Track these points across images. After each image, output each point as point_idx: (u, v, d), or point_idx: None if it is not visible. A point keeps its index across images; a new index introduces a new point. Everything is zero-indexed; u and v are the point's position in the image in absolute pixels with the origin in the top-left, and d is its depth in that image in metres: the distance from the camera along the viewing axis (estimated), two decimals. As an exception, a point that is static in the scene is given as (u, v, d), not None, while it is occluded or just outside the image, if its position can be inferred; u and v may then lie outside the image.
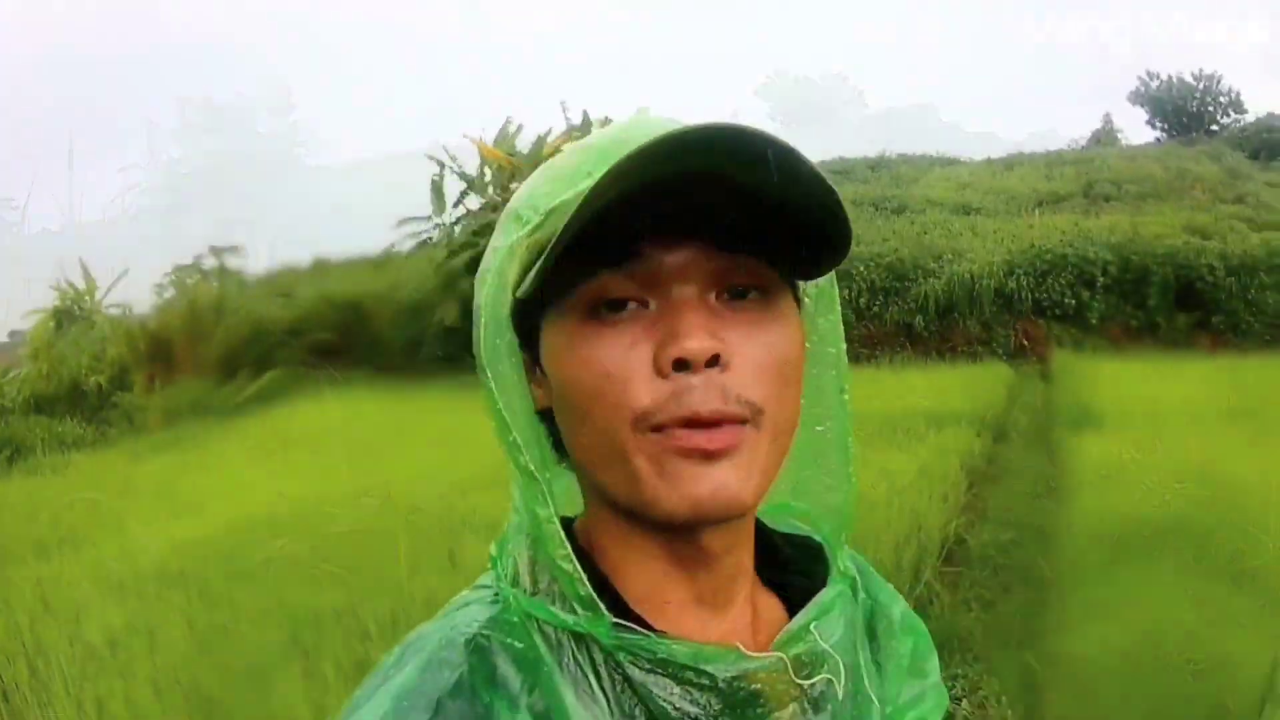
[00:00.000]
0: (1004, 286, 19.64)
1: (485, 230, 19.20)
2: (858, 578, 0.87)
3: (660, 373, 0.65)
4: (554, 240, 0.62)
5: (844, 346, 0.81)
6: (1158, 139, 40.59)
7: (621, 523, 0.71)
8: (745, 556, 0.77)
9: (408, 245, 22.03)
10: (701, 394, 0.64)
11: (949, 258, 20.53)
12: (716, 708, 0.68)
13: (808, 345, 0.76)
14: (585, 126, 20.99)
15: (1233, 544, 5.35)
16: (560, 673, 0.67)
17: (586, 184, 0.63)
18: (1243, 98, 41.03)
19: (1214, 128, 39.76)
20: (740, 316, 0.68)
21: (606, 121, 20.40)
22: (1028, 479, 8.18)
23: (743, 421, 0.66)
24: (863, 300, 19.16)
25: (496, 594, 0.73)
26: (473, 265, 18.26)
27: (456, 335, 18.11)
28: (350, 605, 4.91)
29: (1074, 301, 19.32)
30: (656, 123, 0.69)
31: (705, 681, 0.68)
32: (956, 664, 4.61)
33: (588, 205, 0.60)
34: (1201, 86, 41.02)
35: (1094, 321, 19.03)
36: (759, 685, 0.70)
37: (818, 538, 0.85)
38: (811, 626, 0.75)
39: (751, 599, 0.78)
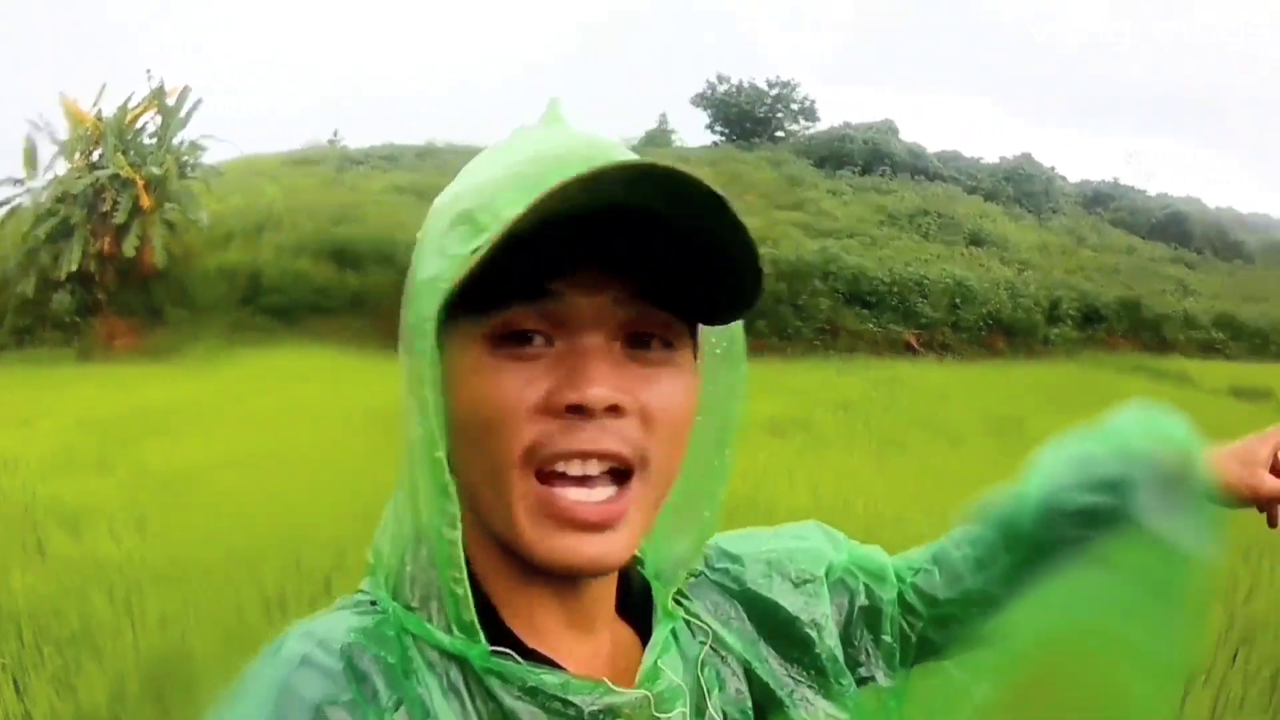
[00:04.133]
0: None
1: (66, 199, 19.86)
2: (699, 615, 0.90)
3: (551, 413, 0.66)
4: (492, 244, 0.62)
5: (741, 405, 0.84)
6: (715, 143, 41.13)
7: (497, 546, 0.72)
8: (609, 585, 0.80)
9: (2, 213, 21.55)
10: (593, 434, 0.67)
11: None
12: None
13: (706, 394, 0.78)
14: (158, 94, 20.71)
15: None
16: (437, 691, 0.69)
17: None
18: (817, 107, 42.04)
19: (780, 134, 40.63)
20: (641, 367, 0.70)
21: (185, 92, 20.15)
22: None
23: (629, 469, 0.69)
24: (402, 285, 19.65)
25: (374, 603, 0.74)
26: (52, 236, 17.87)
27: (32, 308, 19.44)
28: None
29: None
30: (607, 144, 0.73)
31: (571, 712, 0.70)
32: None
33: (529, 216, 0.60)
34: (774, 93, 41.51)
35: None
36: (622, 719, 0.73)
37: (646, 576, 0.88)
38: (659, 663, 0.80)
39: (609, 625, 0.81)
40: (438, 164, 31.33)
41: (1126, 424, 1.06)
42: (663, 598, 0.85)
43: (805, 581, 0.96)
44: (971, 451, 9.98)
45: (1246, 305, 31.08)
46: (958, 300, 23.19)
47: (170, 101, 21.37)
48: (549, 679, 0.70)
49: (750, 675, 0.89)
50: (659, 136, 43.32)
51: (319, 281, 20.00)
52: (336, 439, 8.84)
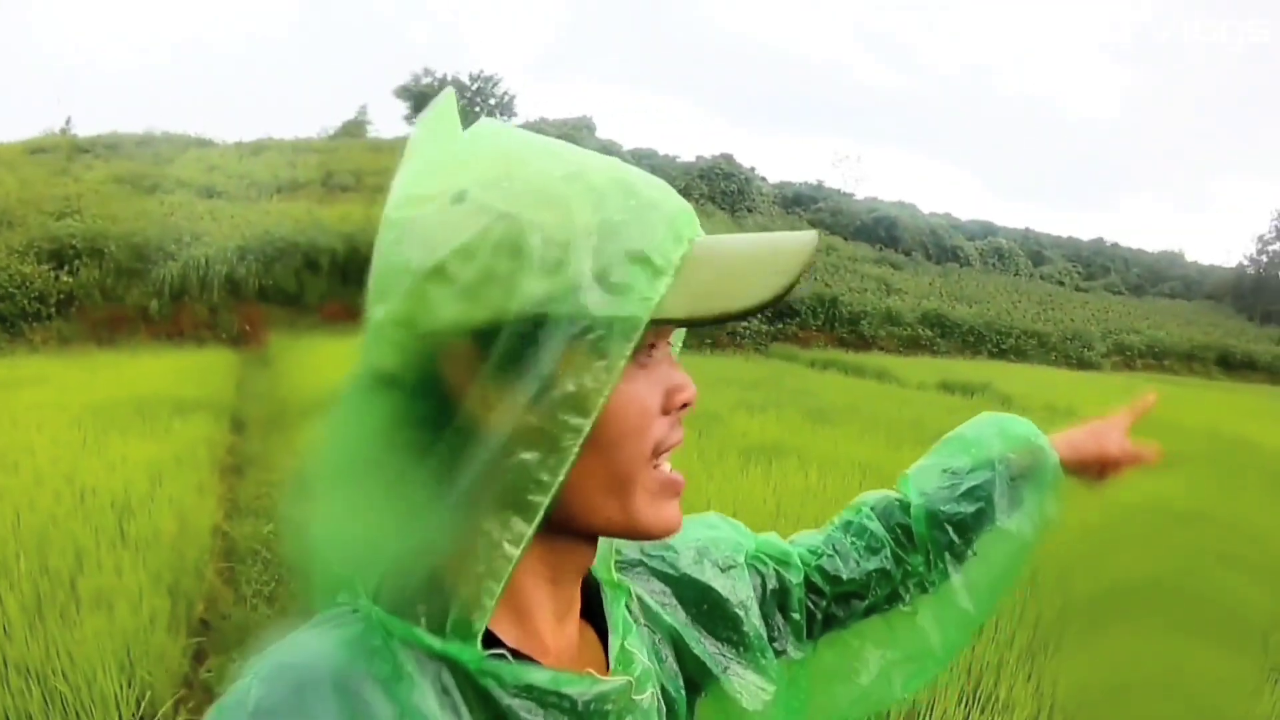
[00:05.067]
0: (234, 272, 20.89)
1: None
2: (643, 598, 0.95)
3: (666, 412, 0.75)
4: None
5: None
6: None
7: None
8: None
9: None
10: (680, 427, 0.77)
11: (188, 240, 21.52)
12: None
13: None
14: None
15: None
16: (431, 695, 0.69)
17: (691, 233, 0.73)
18: (517, 102, 44.25)
19: (478, 126, 42.57)
20: None
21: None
22: (273, 470, 8.06)
23: None
24: (109, 281, 20.11)
25: (354, 611, 0.72)
26: None
27: None
28: None
29: (297, 286, 20.92)
30: (660, 179, 0.77)
31: (565, 705, 0.73)
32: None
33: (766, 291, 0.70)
34: (475, 87, 43.83)
35: (313, 303, 20.36)
36: (610, 705, 0.76)
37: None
38: (627, 644, 0.84)
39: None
40: (154, 153, 32.29)
41: (982, 433, 1.22)
42: (604, 574, 0.90)
43: (730, 567, 1.04)
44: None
45: (959, 305, 33.20)
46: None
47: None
48: (538, 675, 0.72)
49: (681, 651, 0.95)
50: (354, 127, 45.86)
51: (39, 286, 20.23)
52: (63, 439, 8.23)
